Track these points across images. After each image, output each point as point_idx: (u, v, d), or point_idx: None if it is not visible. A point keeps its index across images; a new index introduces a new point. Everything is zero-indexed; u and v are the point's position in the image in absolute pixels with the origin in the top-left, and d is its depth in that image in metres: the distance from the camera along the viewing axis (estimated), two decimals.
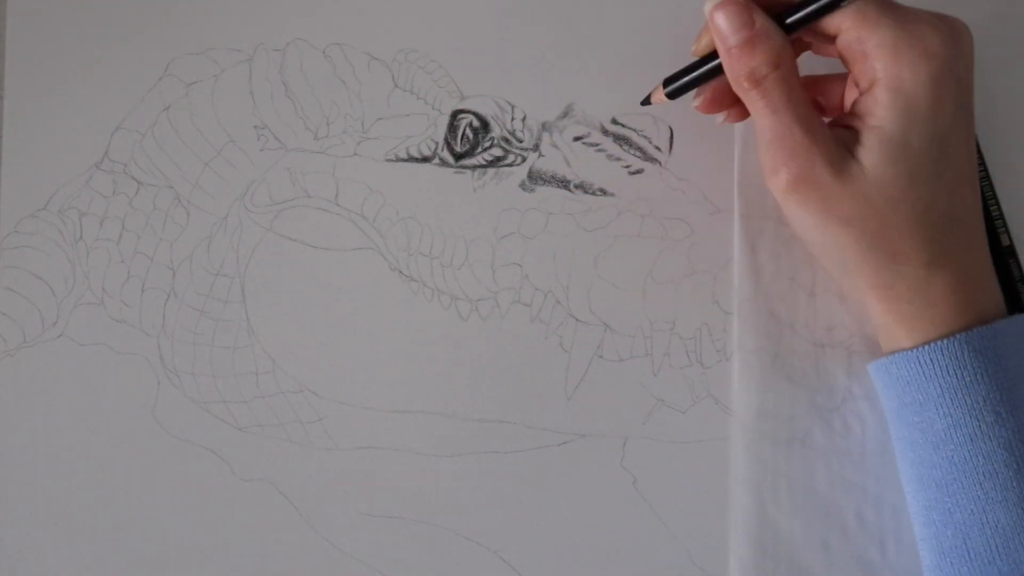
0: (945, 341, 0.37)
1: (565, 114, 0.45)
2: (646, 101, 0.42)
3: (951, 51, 0.36)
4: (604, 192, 0.45)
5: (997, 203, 0.44)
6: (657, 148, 0.45)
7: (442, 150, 0.45)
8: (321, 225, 0.45)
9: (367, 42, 0.45)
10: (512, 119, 0.45)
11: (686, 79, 0.40)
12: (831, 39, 0.38)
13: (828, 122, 0.39)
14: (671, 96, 0.41)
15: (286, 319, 0.45)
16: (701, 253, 0.44)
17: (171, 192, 0.45)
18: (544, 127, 0.45)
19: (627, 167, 0.45)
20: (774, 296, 0.44)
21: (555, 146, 0.45)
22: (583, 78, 0.45)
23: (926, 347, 0.38)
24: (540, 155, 0.45)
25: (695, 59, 0.40)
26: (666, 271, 0.44)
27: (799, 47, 0.41)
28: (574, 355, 0.44)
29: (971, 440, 0.37)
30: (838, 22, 0.37)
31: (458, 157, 0.45)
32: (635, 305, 0.44)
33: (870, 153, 0.37)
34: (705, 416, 0.44)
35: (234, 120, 0.45)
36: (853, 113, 0.38)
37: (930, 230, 0.37)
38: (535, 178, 0.45)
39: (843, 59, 0.38)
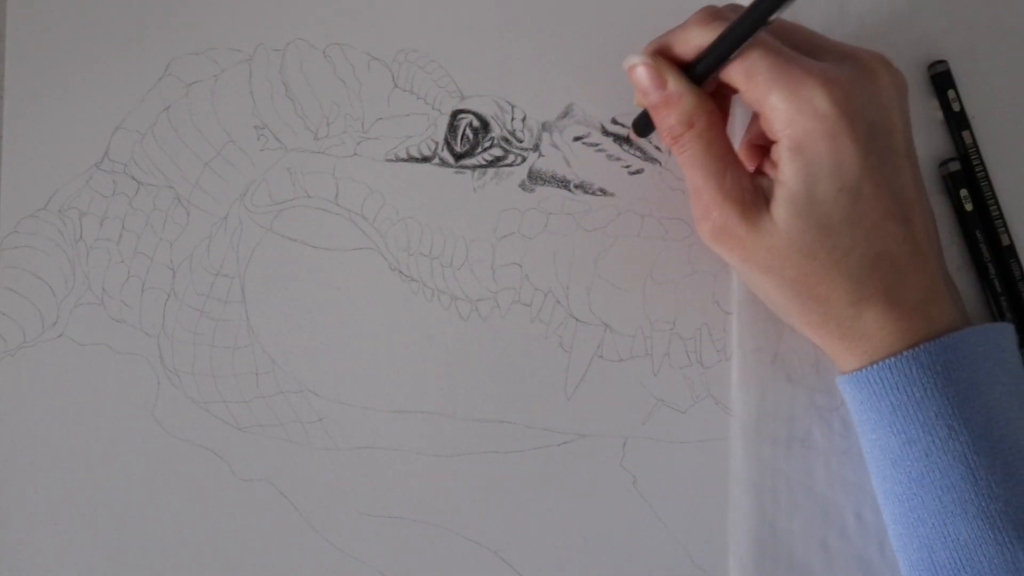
0: (892, 359, 0.38)
1: (565, 114, 0.45)
2: (535, 179, 0.44)
3: (849, 103, 0.36)
4: (604, 192, 0.45)
5: (997, 203, 0.44)
6: (657, 148, 0.45)
7: (442, 150, 0.45)
8: (321, 225, 0.45)
9: (367, 42, 0.45)
10: (512, 119, 0.45)
11: (645, 120, 0.42)
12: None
13: (758, 167, 0.40)
14: (640, 135, 0.43)
15: (286, 319, 0.45)
16: (701, 253, 0.44)
17: (171, 192, 0.45)
18: (544, 127, 0.45)
19: (627, 167, 0.45)
20: None
21: (555, 146, 0.45)
22: (583, 78, 0.45)
23: (875, 366, 0.38)
24: (540, 155, 0.45)
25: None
26: (666, 271, 0.44)
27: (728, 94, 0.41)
28: (574, 355, 0.44)
29: (926, 455, 0.38)
30: (735, 80, 0.38)
31: (458, 157, 0.45)
32: (635, 305, 0.44)
33: (779, 207, 0.37)
34: (705, 416, 0.44)
35: (234, 120, 0.45)
36: (771, 161, 0.38)
37: (852, 272, 0.38)
38: (535, 178, 0.45)
39: (754, 111, 0.39)
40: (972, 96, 0.44)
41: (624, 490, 0.44)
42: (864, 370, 0.38)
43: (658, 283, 0.44)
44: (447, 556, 0.44)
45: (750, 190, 0.38)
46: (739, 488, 0.43)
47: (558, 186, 0.45)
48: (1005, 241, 0.44)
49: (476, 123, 0.45)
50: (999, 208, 0.44)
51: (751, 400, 0.44)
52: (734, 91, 0.39)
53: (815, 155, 0.36)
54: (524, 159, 0.45)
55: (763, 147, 0.41)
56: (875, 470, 0.40)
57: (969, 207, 0.44)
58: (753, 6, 0.36)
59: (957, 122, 0.44)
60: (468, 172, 0.45)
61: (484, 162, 0.45)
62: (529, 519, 0.44)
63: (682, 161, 0.39)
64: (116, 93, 0.45)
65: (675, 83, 0.38)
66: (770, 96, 0.37)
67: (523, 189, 0.45)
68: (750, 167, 0.41)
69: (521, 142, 0.45)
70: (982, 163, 0.44)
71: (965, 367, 0.38)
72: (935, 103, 0.44)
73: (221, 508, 0.44)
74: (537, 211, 0.45)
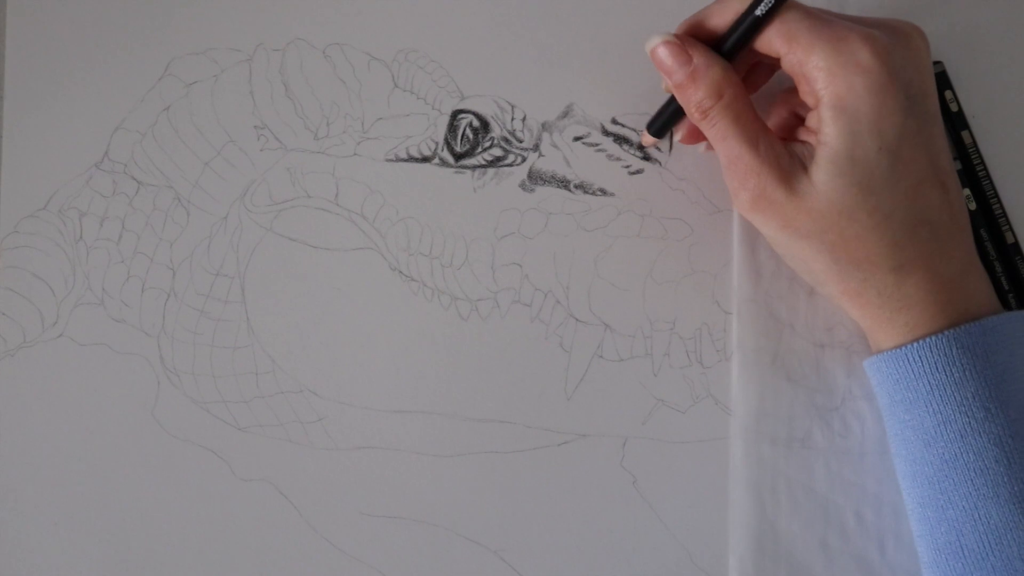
0: (933, 338, 0.38)
1: (565, 114, 0.45)
2: (535, 179, 0.44)
3: (890, 60, 0.36)
4: (604, 192, 0.45)
5: (999, 201, 0.44)
6: (657, 148, 0.45)
7: (442, 150, 0.45)
8: (321, 225, 0.45)
9: (367, 42, 0.45)
10: (512, 119, 0.45)
11: (663, 119, 0.42)
12: (778, 62, 0.39)
13: (791, 136, 0.40)
14: (657, 136, 0.43)
15: (286, 319, 0.45)
16: (701, 253, 0.44)
17: (171, 192, 0.45)
18: (544, 127, 0.45)
19: (627, 167, 0.45)
20: (774, 296, 0.44)
21: (555, 146, 0.45)
22: (583, 78, 0.45)
23: (914, 344, 0.38)
24: (540, 155, 0.45)
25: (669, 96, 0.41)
26: (666, 271, 0.44)
27: (765, 70, 0.42)
28: (574, 355, 0.44)
29: (961, 437, 0.38)
30: (775, 47, 0.38)
31: (458, 157, 0.45)
32: (635, 305, 0.44)
33: (820, 169, 0.37)
34: (705, 416, 0.44)
35: (234, 120, 0.45)
36: (808, 128, 0.39)
37: (893, 236, 0.37)
38: (535, 178, 0.45)
39: (793, 78, 0.39)
40: (971, 96, 0.44)
41: (624, 490, 0.44)
42: (903, 349, 0.38)
43: (658, 283, 0.44)
44: (447, 556, 0.44)
45: (785, 155, 0.38)
46: (739, 488, 0.43)
47: (558, 186, 0.45)
48: (1010, 239, 0.44)
49: (476, 123, 0.45)
50: (1002, 206, 0.44)
51: (751, 400, 0.44)
52: (770, 71, 0.39)
53: (857, 111, 0.36)
54: (524, 159, 0.45)
55: (794, 119, 0.42)
56: (904, 452, 0.40)
57: (972, 207, 0.44)
58: None
59: (956, 122, 0.44)
60: (468, 172, 0.45)
61: (484, 162, 0.45)
62: (529, 519, 0.44)
63: (713, 135, 0.39)
64: (116, 93, 0.45)
65: (700, 56, 0.38)
66: (812, 55, 0.37)
67: (523, 189, 0.45)
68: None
69: (521, 142, 0.45)
70: (983, 162, 0.44)
71: (1003, 351, 0.38)
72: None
73: (221, 508, 0.44)
74: (537, 211, 0.45)
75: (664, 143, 0.45)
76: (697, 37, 0.39)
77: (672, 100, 0.41)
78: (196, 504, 0.44)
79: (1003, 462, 0.37)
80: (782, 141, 0.39)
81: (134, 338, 0.45)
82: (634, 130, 0.45)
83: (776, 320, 0.43)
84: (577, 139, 0.45)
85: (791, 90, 0.41)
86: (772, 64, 0.40)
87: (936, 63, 0.44)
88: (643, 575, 0.44)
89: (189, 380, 0.45)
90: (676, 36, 0.39)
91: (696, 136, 0.42)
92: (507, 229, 0.45)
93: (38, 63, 0.46)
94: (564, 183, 0.45)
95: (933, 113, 0.38)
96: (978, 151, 0.44)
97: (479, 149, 0.45)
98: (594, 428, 0.44)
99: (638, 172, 0.45)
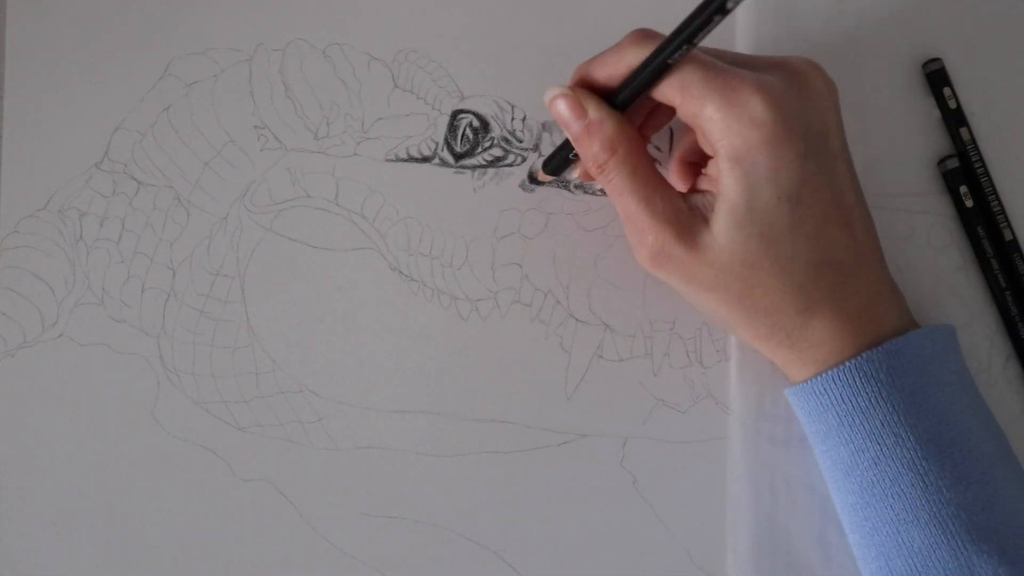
0: (834, 370, 0.38)
1: None
2: (534, 180, 0.44)
3: (784, 109, 0.36)
4: (604, 192, 0.45)
5: (998, 198, 0.44)
6: (657, 148, 0.45)
7: (442, 150, 0.45)
8: (321, 225, 0.45)
9: (367, 42, 0.45)
10: (512, 119, 0.45)
11: (558, 159, 0.42)
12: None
13: (691, 187, 0.40)
14: (553, 174, 0.43)
15: (286, 319, 0.45)
16: None
17: (171, 192, 0.45)
18: (544, 127, 0.45)
19: None
20: None
21: (555, 146, 0.45)
22: None
23: (818, 378, 0.38)
24: (540, 155, 0.45)
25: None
26: None
27: (668, 109, 0.41)
28: (574, 355, 0.44)
29: (875, 464, 0.38)
30: (669, 97, 0.37)
31: (458, 157, 0.45)
32: (635, 305, 0.44)
33: (720, 221, 0.37)
34: (705, 416, 0.44)
35: (234, 120, 0.45)
36: (708, 176, 0.38)
37: (797, 281, 0.37)
38: (535, 178, 0.45)
39: (691, 127, 0.38)
40: (969, 92, 0.44)
41: (624, 490, 0.44)
42: (809, 382, 0.38)
43: (658, 283, 0.44)
44: (447, 556, 0.44)
45: (683, 210, 0.38)
46: (738, 485, 0.43)
47: (558, 186, 0.45)
48: (1008, 236, 0.44)
49: (476, 123, 0.45)
50: (1000, 203, 0.44)
51: (750, 400, 0.44)
52: (672, 110, 0.39)
53: (753, 163, 0.36)
54: (524, 159, 0.45)
55: (695, 166, 0.41)
56: (829, 480, 0.40)
57: (970, 203, 0.44)
58: (679, 28, 0.36)
59: (954, 119, 0.44)
60: (468, 172, 0.45)
61: (484, 162, 0.45)
62: (529, 519, 0.44)
63: (610, 190, 0.39)
64: (116, 93, 0.45)
65: (595, 110, 0.38)
66: (705, 107, 0.36)
67: (523, 189, 0.45)
68: (683, 189, 0.41)
69: (521, 142, 0.45)
70: (981, 159, 0.44)
71: (910, 372, 0.38)
72: (931, 101, 0.45)
73: (221, 508, 0.44)
74: (537, 211, 0.45)
75: (664, 143, 0.45)
76: (594, 86, 0.39)
77: (566, 143, 0.41)
78: (196, 504, 0.44)
79: (919, 485, 0.37)
80: (681, 195, 0.38)
81: (134, 338, 0.45)
82: None
83: None
84: None
85: (690, 129, 0.41)
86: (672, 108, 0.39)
87: (934, 60, 0.44)
88: (643, 575, 0.44)
89: (189, 380, 0.45)
90: (571, 88, 0.39)
91: (589, 176, 0.42)
92: (507, 229, 0.45)
93: (38, 63, 0.46)
94: (564, 183, 0.45)
95: (835, 152, 0.38)
96: (976, 148, 0.44)
97: (479, 149, 0.45)
98: (594, 428, 0.44)
99: None
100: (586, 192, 0.45)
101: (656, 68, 0.37)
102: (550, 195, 0.45)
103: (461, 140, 0.45)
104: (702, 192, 0.38)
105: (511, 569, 0.44)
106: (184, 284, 0.45)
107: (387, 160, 0.45)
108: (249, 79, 0.45)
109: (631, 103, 0.38)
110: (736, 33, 0.45)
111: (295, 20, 0.46)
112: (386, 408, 0.45)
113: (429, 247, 0.45)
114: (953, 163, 0.44)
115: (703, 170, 0.39)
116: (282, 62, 0.45)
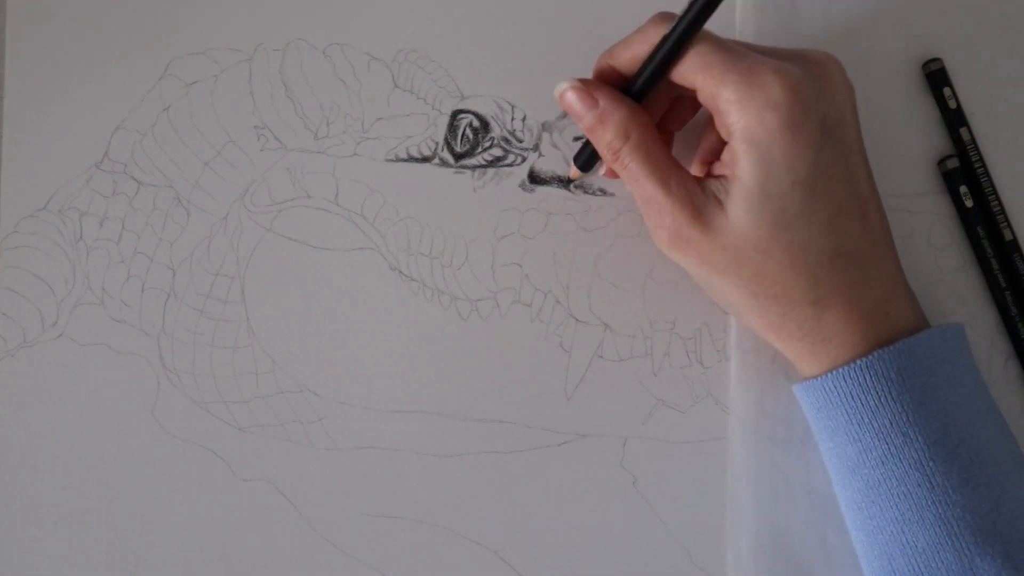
0: (845, 368, 0.38)
1: (565, 114, 0.45)
2: (534, 180, 0.45)
3: (802, 94, 0.36)
4: (604, 192, 0.45)
5: (998, 198, 0.44)
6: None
7: (442, 150, 0.45)
8: (321, 225, 0.45)
9: (367, 42, 0.45)
10: (512, 119, 0.45)
11: (587, 152, 0.41)
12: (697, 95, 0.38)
13: (706, 172, 0.40)
14: (583, 169, 0.42)
15: (286, 319, 0.45)
16: None
17: (171, 192, 0.45)
18: (544, 127, 0.45)
19: None
20: None
21: (555, 146, 0.45)
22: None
23: (829, 375, 0.38)
24: (540, 155, 0.45)
25: None
26: (666, 271, 0.44)
27: (690, 104, 0.41)
28: (574, 355, 0.44)
29: (883, 464, 0.38)
30: (690, 79, 0.37)
31: (458, 157, 0.45)
32: (635, 305, 0.44)
33: (734, 204, 0.37)
34: (705, 416, 0.44)
35: (234, 120, 0.45)
36: (723, 162, 0.38)
37: (810, 270, 0.37)
38: (535, 178, 0.45)
39: (710, 111, 0.39)
40: (969, 92, 0.44)
41: (624, 490, 0.44)
42: (819, 379, 0.38)
43: (658, 283, 0.44)
44: (447, 556, 0.44)
45: (698, 193, 0.38)
46: (738, 484, 0.43)
47: (558, 186, 0.45)
48: (1008, 236, 0.44)
49: (476, 123, 0.45)
50: (1000, 203, 0.44)
51: (750, 400, 0.44)
52: (695, 105, 0.39)
53: (769, 147, 0.36)
54: (524, 159, 0.45)
55: (712, 157, 0.41)
56: (835, 478, 0.40)
57: (969, 203, 0.44)
58: (689, 6, 0.36)
59: (954, 119, 0.44)
60: (468, 172, 0.45)
61: (484, 162, 0.45)
62: (529, 519, 0.44)
63: (626, 176, 0.39)
64: (116, 93, 0.45)
65: (605, 99, 0.38)
66: (725, 88, 0.36)
67: (523, 189, 0.45)
68: (699, 175, 0.41)
69: (521, 142, 0.45)
70: (981, 159, 0.44)
71: (920, 372, 0.37)
72: (931, 101, 0.45)
73: (221, 508, 0.44)
74: (537, 211, 0.45)
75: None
76: (608, 79, 0.39)
77: None
78: (196, 504, 0.44)
79: (925, 485, 0.37)
80: (696, 178, 0.38)
81: (134, 338, 0.45)
82: None
83: None
84: (577, 139, 0.45)
85: (711, 122, 0.41)
86: (695, 98, 0.39)
87: (934, 60, 0.44)
88: (643, 575, 0.44)
89: (189, 380, 0.45)
90: (582, 81, 0.39)
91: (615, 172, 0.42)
92: (507, 229, 0.45)
93: (38, 63, 0.46)
94: (564, 183, 0.45)
95: (850, 143, 0.38)
96: (976, 148, 0.44)
97: (479, 149, 0.45)
98: (594, 428, 0.44)
99: None
100: (586, 192, 0.45)
101: (669, 49, 0.37)
102: (550, 195, 0.45)
103: (461, 140, 0.45)
104: (717, 177, 0.38)
105: (511, 569, 0.44)
106: (184, 284, 0.45)
107: (387, 160, 0.45)
108: (249, 79, 0.45)
109: (648, 91, 0.39)
110: (735, 33, 0.45)
111: (295, 20, 0.46)
112: (386, 408, 0.45)
113: (429, 247, 0.45)
114: (953, 163, 0.44)
115: (721, 157, 0.39)
116: (282, 62, 0.45)
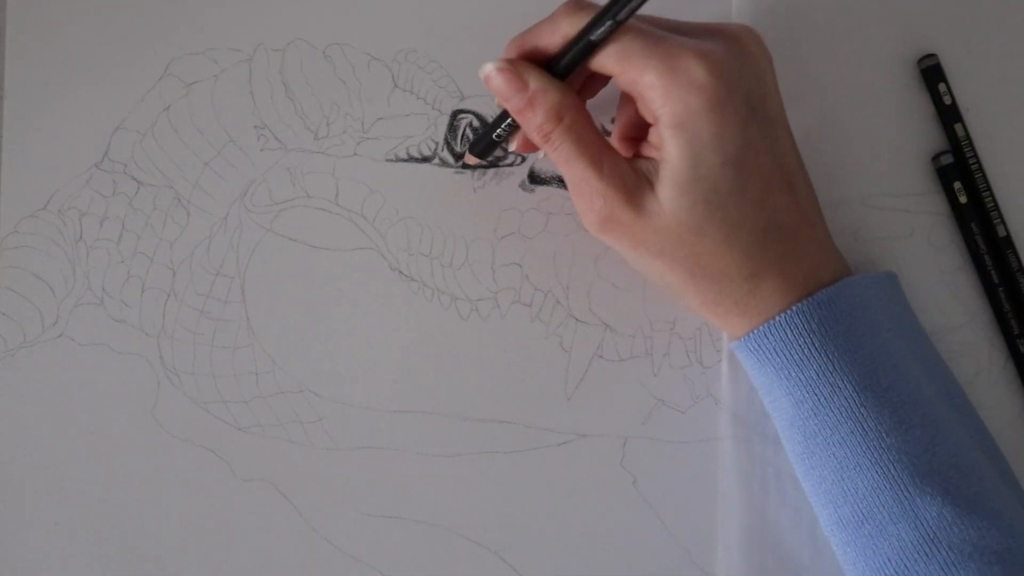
0: (767, 324, 0.38)
1: None
2: (534, 180, 0.44)
3: (725, 73, 0.36)
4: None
5: (992, 195, 0.44)
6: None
7: (442, 150, 0.45)
8: (321, 225, 0.45)
9: (367, 42, 0.45)
10: (512, 119, 0.45)
11: (484, 141, 0.41)
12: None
13: (632, 150, 0.40)
14: (481, 156, 0.42)
15: (286, 319, 0.45)
16: None
17: (171, 192, 0.45)
18: None
19: None
20: None
21: None
22: None
23: (752, 333, 0.39)
24: (540, 155, 0.45)
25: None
26: None
27: (598, 77, 0.40)
28: (574, 355, 0.44)
29: (815, 414, 0.38)
30: (608, 67, 0.37)
31: (458, 157, 0.45)
32: (635, 305, 0.44)
33: (664, 187, 0.37)
34: (705, 416, 0.44)
35: (234, 120, 0.45)
36: (651, 144, 0.38)
37: (744, 246, 0.37)
38: (535, 178, 0.45)
39: (631, 96, 0.38)
40: (964, 89, 0.44)
41: (624, 490, 0.44)
42: (744, 338, 0.39)
43: None
44: (447, 556, 0.44)
45: (630, 175, 0.38)
46: (728, 479, 0.43)
47: (558, 186, 0.45)
48: (1001, 232, 0.44)
49: (476, 123, 0.45)
50: (994, 200, 0.44)
51: (741, 395, 0.44)
52: (601, 85, 0.39)
53: (696, 129, 0.36)
54: (524, 159, 0.45)
55: (635, 138, 0.41)
56: (780, 432, 0.40)
57: (963, 200, 0.44)
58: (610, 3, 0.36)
59: (949, 115, 0.44)
60: (468, 172, 0.45)
61: (484, 162, 0.45)
62: (529, 519, 0.44)
63: (556, 158, 0.39)
64: (116, 93, 0.45)
65: (536, 80, 0.38)
66: (646, 74, 0.36)
67: (523, 189, 0.45)
68: (627, 155, 0.41)
69: None
70: (975, 155, 0.44)
71: (843, 320, 0.38)
72: (926, 97, 0.45)
73: (221, 508, 0.44)
74: (537, 211, 0.45)
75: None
76: (530, 57, 0.39)
77: (496, 122, 0.41)
78: (196, 504, 0.44)
79: (858, 432, 0.37)
80: (627, 160, 0.38)
81: (134, 338, 0.45)
82: None
83: None
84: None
85: (629, 99, 0.40)
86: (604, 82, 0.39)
87: (929, 56, 0.44)
88: (642, 575, 0.44)
89: (189, 380, 0.45)
90: (509, 61, 0.38)
91: (528, 145, 0.41)
92: (507, 229, 0.45)
93: (38, 63, 0.46)
94: (564, 183, 0.45)
95: (774, 116, 0.38)
96: (971, 144, 0.44)
97: None
98: (594, 428, 0.44)
99: None
100: None
101: (595, 33, 0.36)
102: (550, 195, 0.45)
103: (461, 140, 0.45)
104: (647, 158, 0.38)
105: (511, 569, 0.44)
106: (184, 284, 0.45)
107: (387, 160, 0.45)
108: (249, 79, 0.45)
109: (571, 72, 0.38)
110: None
111: (295, 20, 0.46)
112: (386, 408, 0.45)
113: (429, 247, 0.45)
114: (947, 159, 0.44)
115: (648, 138, 0.39)
116: (282, 62, 0.45)
